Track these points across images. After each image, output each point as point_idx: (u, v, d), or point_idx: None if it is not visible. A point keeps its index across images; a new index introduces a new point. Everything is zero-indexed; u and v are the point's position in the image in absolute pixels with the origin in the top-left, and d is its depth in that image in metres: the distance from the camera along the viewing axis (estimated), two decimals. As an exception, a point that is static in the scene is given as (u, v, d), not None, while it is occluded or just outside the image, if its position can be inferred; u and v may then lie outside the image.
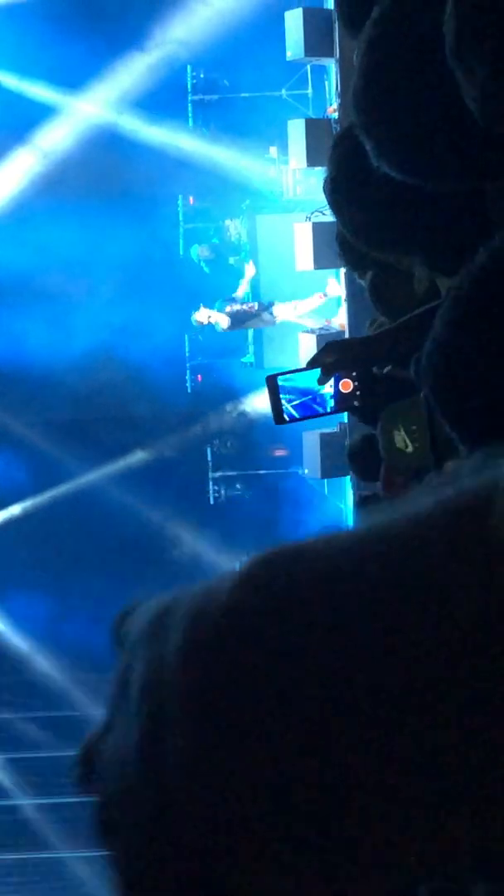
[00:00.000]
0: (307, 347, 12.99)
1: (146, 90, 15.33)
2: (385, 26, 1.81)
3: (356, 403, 3.16)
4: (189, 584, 0.54)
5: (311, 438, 13.26)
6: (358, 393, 3.14)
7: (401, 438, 3.37)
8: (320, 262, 12.66)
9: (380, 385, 3.23)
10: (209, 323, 14.38)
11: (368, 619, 0.46)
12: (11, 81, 15.59)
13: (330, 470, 13.02)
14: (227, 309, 14.18)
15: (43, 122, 15.54)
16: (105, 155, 15.29)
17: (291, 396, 3.05)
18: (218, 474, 16.12)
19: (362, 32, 1.87)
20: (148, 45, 15.26)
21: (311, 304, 13.76)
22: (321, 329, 13.38)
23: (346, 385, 3.09)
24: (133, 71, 15.33)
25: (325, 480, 13.97)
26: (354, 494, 11.15)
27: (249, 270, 14.76)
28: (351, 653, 0.46)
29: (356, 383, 3.11)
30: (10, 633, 16.17)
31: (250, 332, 15.40)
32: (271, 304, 14.19)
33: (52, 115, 15.53)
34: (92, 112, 15.52)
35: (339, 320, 13.41)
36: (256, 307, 14.23)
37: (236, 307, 14.23)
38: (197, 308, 14.29)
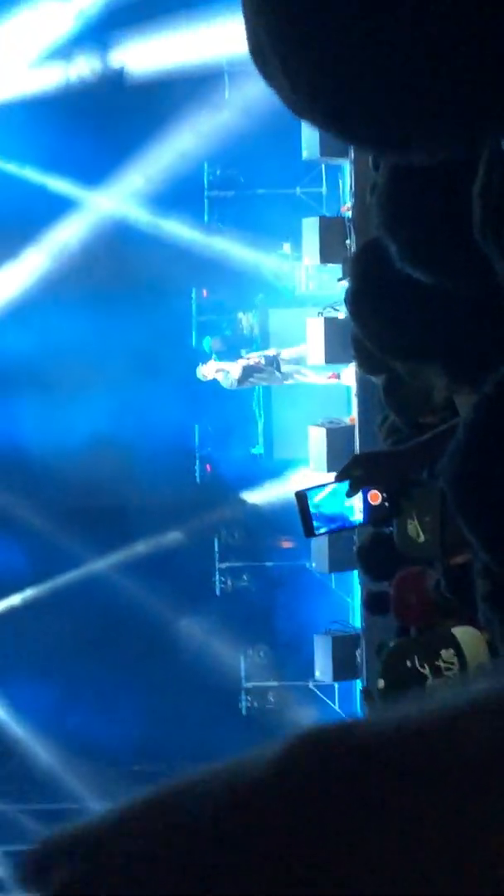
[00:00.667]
0: (317, 441, 13.04)
1: (163, 185, 15.57)
2: None
3: (384, 515, 3.21)
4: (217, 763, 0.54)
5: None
6: (386, 505, 3.17)
7: (413, 527, 3.38)
8: (332, 356, 12.77)
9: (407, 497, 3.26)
10: (213, 378, 14.38)
11: (395, 814, 0.46)
12: (29, 174, 15.87)
13: (337, 564, 12.99)
14: (237, 362, 14.21)
15: (59, 214, 15.77)
16: (120, 248, 15.51)
17: (321, 509, 3.10)
18: (225, 565, 16.07)
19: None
20: (165, 141, 15.52)
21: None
22: (331, 422, 13.44)
23: (375, 497, 3.14)
24: (150, 166, 15.59)
25: (333, 574, 13.92)
26: (362, 590, 11.10)
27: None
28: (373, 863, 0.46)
29: (384, 495, 3.14)
30: (10, 722, 15.99)
31: (260, 424, 15.48)
32: (278, 357, 14.17)
33: (68, 209, 15.77)
34: (108, 206, 15.77)
35: (351, 416, 13.48)
36: (264, 362, 14.21)
37: (243, 361, 14.22)
38: (205, 361, 14.32)
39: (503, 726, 0.47)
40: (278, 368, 14.05)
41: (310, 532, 3.21)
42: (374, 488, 3.16)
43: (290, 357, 14.02)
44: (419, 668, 2.85)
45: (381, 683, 3.11)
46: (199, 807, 0.51)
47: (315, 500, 3.14)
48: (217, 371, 14.19)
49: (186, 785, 0.53)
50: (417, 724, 0.50)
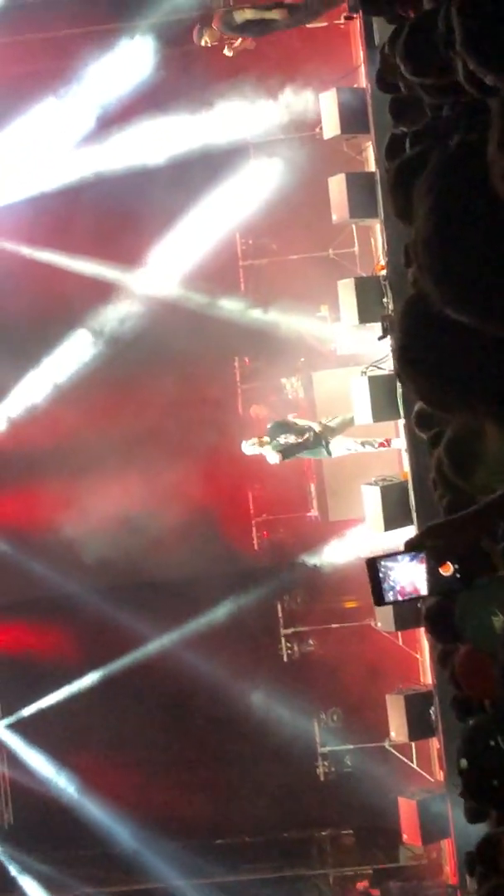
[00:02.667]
0: (372, 500, 13.03)
1: (197, 260, 15.76)
2: (451, 173, 1.86)
3: (455, 588, 3.17)
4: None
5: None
6: (458, 577, 3.17)
7: (500, 622, 3.36)
8: (379, 414, 12.80)
9: (479, 566, 3.23)
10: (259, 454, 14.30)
11: None
12: (62, 260, 16.13)
13: (403, 622, 12.93)
14: (282, 441, 14.05)
15: (96, 298, 15.99)
16: (159, 325, 15.66)
17: (391, 577, 3.10)
18: (290, 630, 16.02)
19: (422, 183, 1.91)
20: (195, 216, 15.73)
21: (370, 441, 13.78)
22: (384, 480, 13.43)
23: (447, 568, 3.13)
24: (182, 243, 15.79)
25: (399, 632, 13.85)
26: (431, 647, 11.03)
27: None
28: None
29: (456, 566, 3.15)
30: (90, 805, 15.95)
31: (312, 487, 15.52)
32: (327, 443, 14.10)
33: (104, 292, 15.99)
34: (144, 285, 15.98)
35: (403, 470, 13.47)
36: (312, 439, 14.08)
37: (290, 440, 14.08)
38: (250, 440, 14.21)
39: None
40: (326, 446, 14.02)
41: (380, 600, 3.21)
42: (447, 559, 3.16)
43: (335, 427, 13.99)
44: (503, 746, 2.83)
45: (463, 763, 3.08)
46: None
47: (385, 568, 3.16)
48: (259, 452, 14.08)
49: None
50: None
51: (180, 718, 15.54)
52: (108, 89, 15.63)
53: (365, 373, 12.97)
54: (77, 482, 15.73)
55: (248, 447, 14.09)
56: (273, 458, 13.94)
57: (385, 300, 13.02)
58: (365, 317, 13.20)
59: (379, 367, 12.90)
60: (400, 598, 3.16)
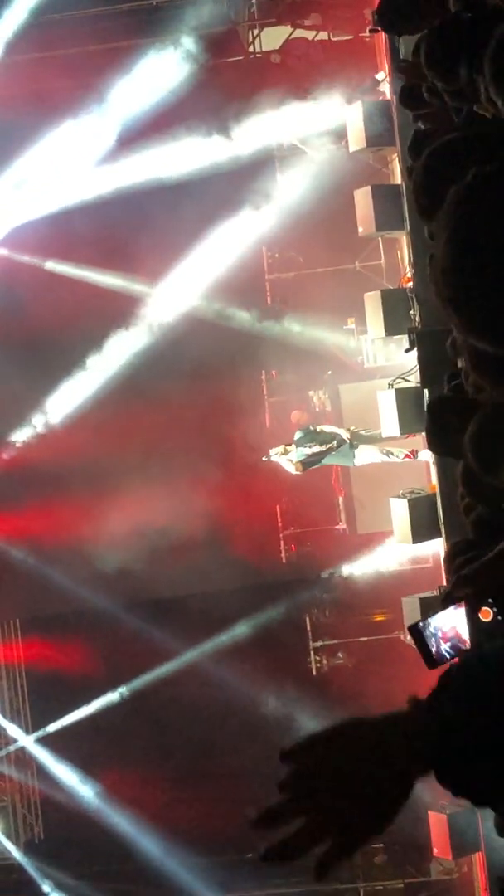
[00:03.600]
0: (400, 513, 13.00)
1: (225, 273, 15.79)
2: (470, 204, 1.86)
3: (500, 630, 3.05)
4: None
5: (410, 603, 13.14)
6: (500, 618, 3.08)
7: None
8: (406, 426, 12.76)
9: None
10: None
11: None
12: (91, 275, 16.21)
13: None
14: (307, 451, 13.95)
15: (124, 313, 16.05)
16: (188, 338, 15.69)
17: (437, 637, 3.04)
18: (319, 644, 15.99)
19: (440, 214, 1.92)
20: (222, 230, 15.77)
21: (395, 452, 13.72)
22: (412, 492, 13.38)
23: (486, 614, 3.07)
24: (210, 256, 15.84)
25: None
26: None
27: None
28: None
29: (495, 609, 3.07)
30: (122, 822, 15.95)
31: (340, 500, 15.49)
32: (355, 448, 13.96)
33: (133, 306, 16.05)
34: (173, 299, 16.03)
35: (431, 483, 13.43)
36: (335, 445, 13.95)
37: (315, 449, 13.95)
38: (277, 447, 14.09)
39: None
40: (353, 451, 13.92)
41: (432, 663, 3.12)
42: (485, 605, 3.09)
43: (364, 436, 13.91)
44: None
45: None
46: None
47: (429, 628, 3.10)
48: (281, 460, 14.00)
49: None
50: None
51: (209, 732, 15.52)
52: (133, 105, 15.72)
53: (392, 385, 12.93)
54: (105, 497, 15.76)
55: (273, 455, 14.02)
56: (291, 468, 13.87)
57: (412, 312, 12.99)
58: (392, 329, 13.17)
59: (406, 380, 12.86)
60: (449, 655, 3.08)
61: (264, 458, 14.09)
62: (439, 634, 3.03)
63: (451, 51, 3.86)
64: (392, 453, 13.76)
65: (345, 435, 13.92)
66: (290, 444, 13.92)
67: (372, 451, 13.88)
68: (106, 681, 16.19)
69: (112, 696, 16.21)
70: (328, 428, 14.19)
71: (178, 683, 15.75)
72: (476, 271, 1.82)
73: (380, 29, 14.41)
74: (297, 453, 13.79)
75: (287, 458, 13.76)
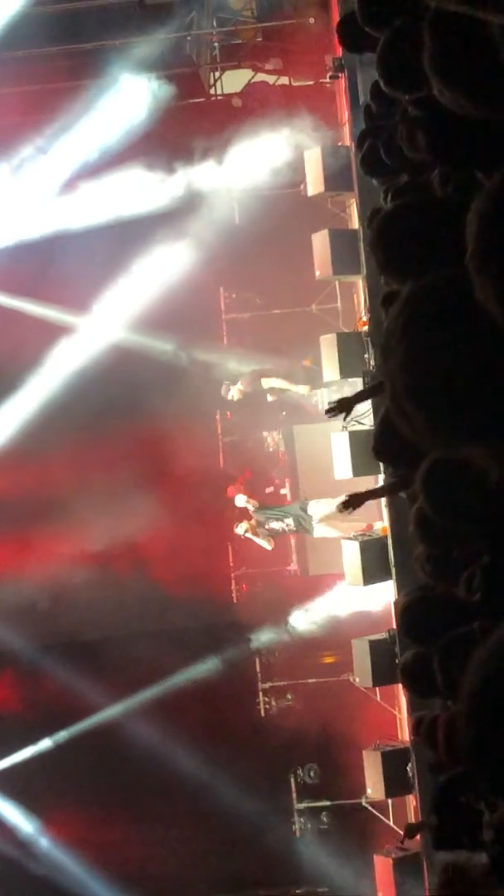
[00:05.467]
0: (352, 555, 13.03)
1: (181, 311, 15.82)
2: (415, 304, 1.90)
3: None
4: None
5: (360, 645, 13.16)
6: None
7: None
8: (359, 469, 12.82)
9: None
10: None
11: None
12: (49, 311, 16.19)
13: (381, 678, 12.87)
14: (275, 527, 14.27)
15: (77, 350, 16.01)
16: (141, 376, 15.68)
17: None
18: (267, 685, 15.94)
19: (396, 308, 1.95)
20: (179, 267, 15.82)
21: (352, 527, 13.77)
22: (363, 535, 13.43)
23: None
24: (166, 294, 15.86)
25: (377, 688, 13.78)
26: (407, 705, 10.99)
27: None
28: None
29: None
30: (68, 861, 15.75)
31: (292, 541, 15.51)
32: (310, 527, 14.17)
33: (86, 344, 16.02)
34: (125, 336, 16.01)
35: (382, 524, 13.47)
36: (291, 523, 14.26)
37: (277, 525, 14.29)
38: (241, 524, 14.36)
39: None
40: (309, 528, 14.13)
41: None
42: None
43: (319, 512, 14.07)
44: (474, 804, 2.81)
45: (433, 820, 3.03)
46: None
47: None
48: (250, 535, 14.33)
49: None
50: None
51: (155, 774, 15.37)
52: (92, 143, 15.80)
53: (346, 427, 12.99)
54: (48, 533, 15.68)
55: (242, 531, 14.32)
56: (267, 545, 14.20)
57: (366, 356, 13.11)
58: (346, 372, 13.27)
59: (359, 423, 12.92)
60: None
61: (239, 533, 14.42)
62: None
63: (402, 63, 3.93)
64: (352, 533, 13.84)
65: (297, 509, 14.12)
66: (251, 520, 14.17)
67: (328, 529, 14.02)
68: (49, 722, 16.02)
69: (56, 738, 16.03)
70: (277, 511, 14.41)
71: (125, 724, 15.62)
72: (429, 369, 1.85)
73: (340, 75, 14.62)
74: (263, 532, 14.12)
75: (260, 536, 14.11)
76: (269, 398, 15.03)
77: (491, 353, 1.79)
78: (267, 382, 14.82)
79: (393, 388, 1.88)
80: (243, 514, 14.51)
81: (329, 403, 10.48)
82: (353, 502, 10.05)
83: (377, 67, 4.24)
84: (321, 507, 13.97)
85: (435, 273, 1.89)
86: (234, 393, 14.84)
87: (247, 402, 15.08)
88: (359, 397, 10.26)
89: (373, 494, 10.56)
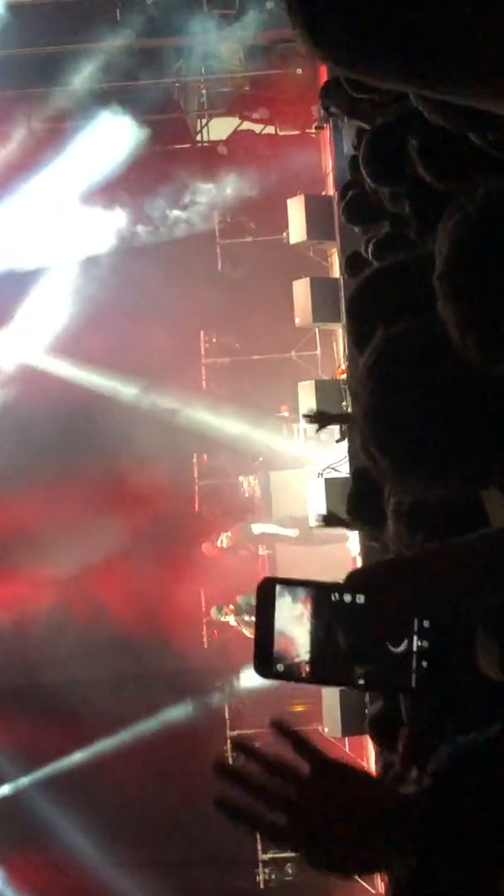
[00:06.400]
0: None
1: (160, 354, 15.83)
2: (383, 355, 1.91)
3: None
4: None
5: (330, 695, 13.08)
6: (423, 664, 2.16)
7: None
8: (333, 518, 12.79)
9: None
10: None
11: None
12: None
13: (350, 728, 12.78)
14: (247, 619, 14.45)
15: (60, 392, 16.00)
16: (118, 418, 15.66)
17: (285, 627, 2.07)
18: (236, 733, 15.79)
19: (364, 359, 1.97)
20: (161, 312, 15.85)
21: None
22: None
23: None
24: (146, 337, 15.88)
25: (346, 738, 13.69)
26: (376, 756, 10.86)
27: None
28: None
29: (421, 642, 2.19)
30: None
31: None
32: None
33: (65, 385, 16.00)
34: (100, 380, 15.99)
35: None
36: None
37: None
38: (219, 609, 14.56)
39: None
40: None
41: (264, 666, 1.84)
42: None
43: None
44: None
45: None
46: None
47: (278, 612, 2.01)
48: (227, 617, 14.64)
49: None
50: None
51: (117, 820, 15.18)
52: (76, 184, 15.88)
53: (321, 474, 13.01)
54: (20, 575, 15.58)
55: (219, 616, 14.49)
56: (246, 631, 14.36)
57: (344, 403, 13.14)
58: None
59: (335, 470, 12.94)
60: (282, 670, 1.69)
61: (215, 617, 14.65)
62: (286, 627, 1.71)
63: (386, 153, 3.99)
64: None
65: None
66: (230, 605, 14.33)
67: None
68: (19, 763, 15.83)
69: (12, 783, 15.86)
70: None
71: (90, 769, 15.44)
72: (395, 415, 1.85)
73: (325, 126, 14.78)
74: (245, 621, 14.24)
75: (241, 625, 14.25)
76: (261, 550, 15.22)
77: (456, 401, 1.79)
78: (258, 528, 14.93)
79: (361, 432, 1.88)
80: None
81: (309, 411, 10.48)
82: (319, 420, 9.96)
83: (362, 166, 4.33)
84: None
85: (405, 321, 1.89)
86: (223, 540, 15.00)
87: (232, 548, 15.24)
88: (338, 418, 10.26)
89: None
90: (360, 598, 1.67)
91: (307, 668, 1.69)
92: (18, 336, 16.18)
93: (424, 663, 1.60)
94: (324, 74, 14.07)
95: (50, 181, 15.84)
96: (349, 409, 12.88)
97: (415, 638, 1.59)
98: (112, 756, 15.34)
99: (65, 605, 15.59)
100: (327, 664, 1.68)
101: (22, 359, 16.18)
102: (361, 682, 1.66)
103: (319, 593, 1.69)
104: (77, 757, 15.54)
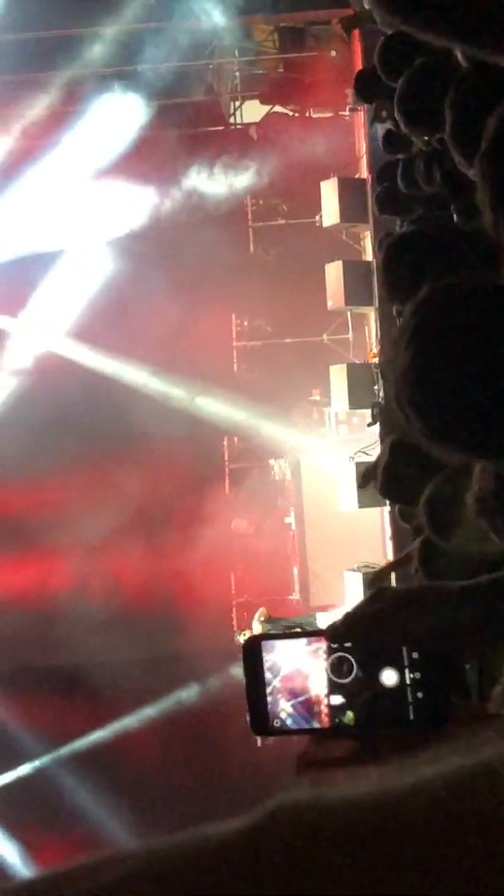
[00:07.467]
0: (354, 587, 12.98)
1: (192, 337, 15.83)
2: (429, 315, 1.88)
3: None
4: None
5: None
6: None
7: None
8: (364, 501, 12.78)
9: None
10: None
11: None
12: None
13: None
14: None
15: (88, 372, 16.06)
16: (148, 402, 15.69)
17: (275, 682, 2.09)
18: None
19: (403, 319, 1.94)
20: (192, 294, 15.84)
21: None
22: (366, 566, 13.38)
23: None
24: (179, 320, 15.87)
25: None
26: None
27: None
28: None
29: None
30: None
31: (296, 571, 15.48)
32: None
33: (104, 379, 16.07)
34: (131, 363, 16.03)
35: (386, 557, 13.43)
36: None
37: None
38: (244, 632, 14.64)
39: (438, 815, 0.54)
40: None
41: (260, 726, 1.59)
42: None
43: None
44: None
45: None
46: (170, 870, 0.57)
47: (270, 656, 2.06)
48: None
49: (151, 849, 0.59)
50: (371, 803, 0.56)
51: (150, 799, 15.28)
52: (108, 167, 15.87)
53: (352, 458, 12.98)
54: (47, 556, 15.66)
55: (241, 635, 14.60)
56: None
57: (376, 387, 13.10)
58: (355, 402, 13.27)
59: (366, 454, 12.91)
60: (291, 723, 1.60)
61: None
62: (277, 680, 1.59)
63: (422, 104, 3.95)
64: None
65: (306, 621, 14.25)
66: (253, 623, 14.45)
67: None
68: (50, 739, 15.95)
69: (36, 762, 15.98)
70: (286, 623, 14.61)
71: (116, 747, 15.54)
72: (437, 377, 1.83)
73: (359, 108, 14.71)
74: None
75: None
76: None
77: (499, 368, 1.77)
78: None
79: (396, 389, 1.86)
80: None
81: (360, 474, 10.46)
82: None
83: (397, 111, 4.26)
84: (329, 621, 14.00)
85: (453, 279, 1.86)
86: (241, 637, 15.09)
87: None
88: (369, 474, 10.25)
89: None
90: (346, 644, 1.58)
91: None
92: (49, 319, 16.21)
93: (420, 694, 1.57)
94: (358, 57, 14.01)
95: (79, 163, 15.85)
96: (381, 393, 12.86)
97: (406, 671, 1.57)
98: (138, 734, 15.44)
99: (92, 586, 15.66)
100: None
101: (49, 343, 16.23)
102: (352, 724, 1.57)
103: (303, 644, 1.61)
104: (103, 735, 15.65)
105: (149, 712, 15.58)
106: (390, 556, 12.99)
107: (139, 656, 15.67)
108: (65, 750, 15.84)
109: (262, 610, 14.65)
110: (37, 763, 16.03)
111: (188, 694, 15.64)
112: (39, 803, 15.70)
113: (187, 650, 15.70)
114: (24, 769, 16.11)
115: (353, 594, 13.00)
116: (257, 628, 14.36)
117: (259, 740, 15.70)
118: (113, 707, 15.51)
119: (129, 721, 15.59)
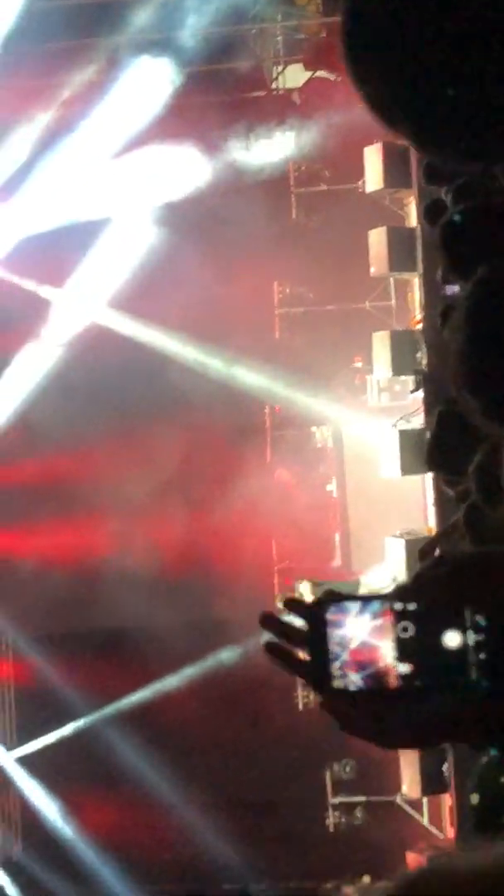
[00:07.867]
0: (396, 552, 13.04)
1: (234, 304, 15.83)
2: (484, 290, 1.93)
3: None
4: None
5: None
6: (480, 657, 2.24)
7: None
8: (407, 468, 12.82)
9: None
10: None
11: None
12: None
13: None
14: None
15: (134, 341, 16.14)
16: (192, 371, 15.76)
17: (343, 654, 1.92)
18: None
19: (462, 301, 1.98)
20: (233, 264, 15.85)
21: None
22: (409, 533, 13.44)
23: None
24: (221, 287, 15.90)
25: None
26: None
27: None
28: None
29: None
30: (100, 843, 15.88)
31: (337, 537, 15.54)
32: None
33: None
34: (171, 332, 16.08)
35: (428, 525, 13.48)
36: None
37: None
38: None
39: None
40: None
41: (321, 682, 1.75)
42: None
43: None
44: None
45: (475, 798, 2.98)
46: None
47: (338, 631, 1.92)
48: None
49: None
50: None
51: (193, 761, 15.47)
52: (152, 135, 15.88)
53: (395, 426, 13.02)
54: (104, 523, 15.79)
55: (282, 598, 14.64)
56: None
57: (419, 354, 13.11)
58: (398, 369, 13.29)
59: (409, 421, 12.94)
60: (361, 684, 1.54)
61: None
62: (346, 653, 1.53)
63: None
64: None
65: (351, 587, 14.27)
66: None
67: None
68: (91, 703, 16.16)
69: (96, 717, 16.18)
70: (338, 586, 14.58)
71: (164, 710, 15.70)
72: (491, 357, 1.88)
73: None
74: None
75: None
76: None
77: None
78: None
79: (453, 370, 1.91)
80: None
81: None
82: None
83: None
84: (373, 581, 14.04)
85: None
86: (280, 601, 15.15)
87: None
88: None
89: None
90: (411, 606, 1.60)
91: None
92: (92, 290, 16.29)
93: (482, 655, 1.56)
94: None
95: (120, 131, 15.87)
96: (424, 360, 12.86)
97: (469, 632, 1.56)
98: (179, 695, 15.60)
99: (135, 551, 15.78)
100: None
101: (92, 313, 16.31)
102: (418, 683, 1.56)
103: (368, 615, 1.58)
104: (145, 695, 15.83)
105: (189, 672, 15.74)
106: (432, 523, 13.04)
107: (181, 619, 15.81)
108: (108, 709, 16.04)
109: (305, 582, 14.70)
110: (80, 723, 16.26)
111: (228, 655, 15.75)
112: (82, 762, 15.95)
113: (228, 614, 15.81)
114: (66, 729, 16.34)
115: (394, 560, 13.07)
116: (306, 594, 14.41)
117: (300, 703, 15.84)
118: (155, 668, 15.68)
119: (171, 681, 15.75)
